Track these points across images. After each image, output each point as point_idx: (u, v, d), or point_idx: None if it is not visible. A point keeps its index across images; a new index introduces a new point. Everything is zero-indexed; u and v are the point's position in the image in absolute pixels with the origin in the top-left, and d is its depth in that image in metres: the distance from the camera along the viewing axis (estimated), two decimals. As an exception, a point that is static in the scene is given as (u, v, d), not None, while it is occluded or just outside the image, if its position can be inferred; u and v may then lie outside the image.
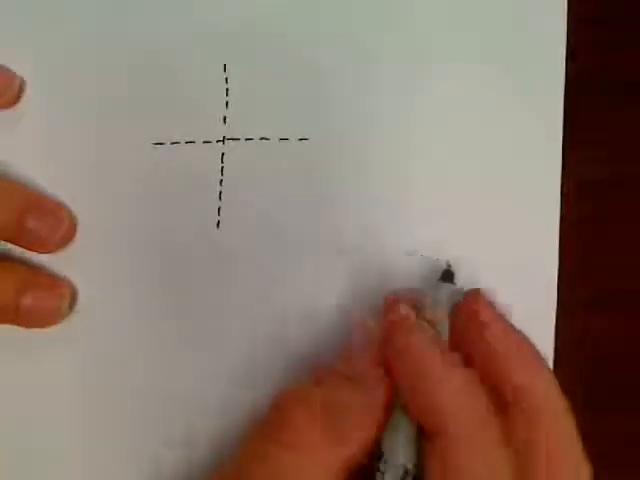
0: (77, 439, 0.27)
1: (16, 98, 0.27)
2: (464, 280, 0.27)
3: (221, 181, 0.27)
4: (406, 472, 0.20)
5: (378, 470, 0.21)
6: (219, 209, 0.27)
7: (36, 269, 0.27)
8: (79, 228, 0.27)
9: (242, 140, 0.27)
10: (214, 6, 0.27)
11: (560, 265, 0.27)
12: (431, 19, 0.27)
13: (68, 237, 0.27)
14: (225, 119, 0.27)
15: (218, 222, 0.27)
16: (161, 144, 0.27)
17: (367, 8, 0.27)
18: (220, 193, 0.27)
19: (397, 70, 0.27)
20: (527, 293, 0.28)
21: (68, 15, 0.27)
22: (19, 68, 0.27)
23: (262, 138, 0.27)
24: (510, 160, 0.27)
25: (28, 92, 0.27)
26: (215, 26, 0.27)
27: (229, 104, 0.27)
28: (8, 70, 0.27)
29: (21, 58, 0.27)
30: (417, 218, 0.27)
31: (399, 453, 0.21)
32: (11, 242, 0.26)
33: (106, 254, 0.27)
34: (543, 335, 0.28)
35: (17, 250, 0.27)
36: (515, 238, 0.27)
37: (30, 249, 0.27)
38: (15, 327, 0.26)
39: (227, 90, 0.27)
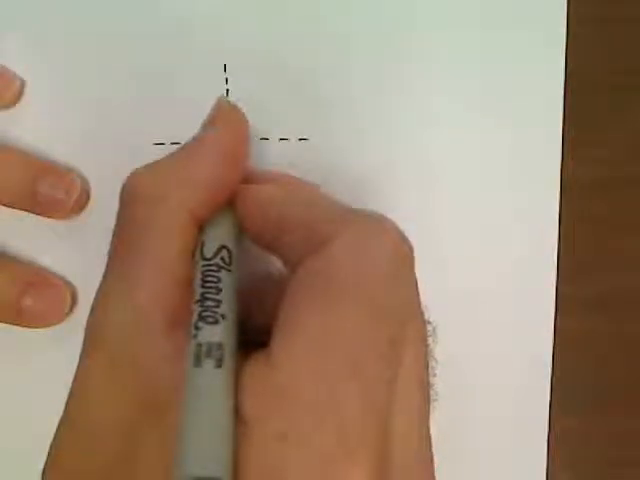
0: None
1: (15, 98, 0.27)
2: (464, 280, 0.27)
3: (221, 181, 0.27)
4: (223, 246, 0.20)
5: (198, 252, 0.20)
6: (219, 209, 0.27)
7: (36, 269, 0.27)
8: (78, 229, 0.27)
9: (242, 140, 0.27)
10: (214, 6, 0.27)
11: (559, 265, 0.27)
12: (431, 19, 0.27)
13: (82, 201, 0.27)
14: (225, 119, 0.27)
15: (218, 222, 0.27)
16: (161, 144, 0.27)
17: (367, 8, 0.27)
18: (220, 193, 0.27)
19: (397, 70, 0.27)
20: (526, 293, 0.28)
21: (68, 15, 0.27)
22: (19, 68, 0.27)
23: (262, 138, 0.27)
24: (510, 160, 0.27)
25: (27, 92, 0.27)
26: (215, 26, 0.27)
27: (229, 104, 0.27)
28: (7, 70, 0.27)
29: (21, 58, 0.27)
30: (417, 218, 0.27)
31: (218, 237, 0.21)
32: (27, 210, 0.26)
33: (105, 254, 0.27)
34: (543, 335, 0.28)
35: (17, 250, 0.27)
36: (515, 238, 0.28)
37: (45, 215, 0.27)
38: (15, 327, 0.26)
39: (227, 90, 0.27)
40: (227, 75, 0.27)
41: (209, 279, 0.19)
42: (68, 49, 0.27)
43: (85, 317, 0.27)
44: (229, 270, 0.20)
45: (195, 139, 0.22)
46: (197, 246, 0.20)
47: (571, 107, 0.27)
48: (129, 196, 0.21)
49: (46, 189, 0.26)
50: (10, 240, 0.27)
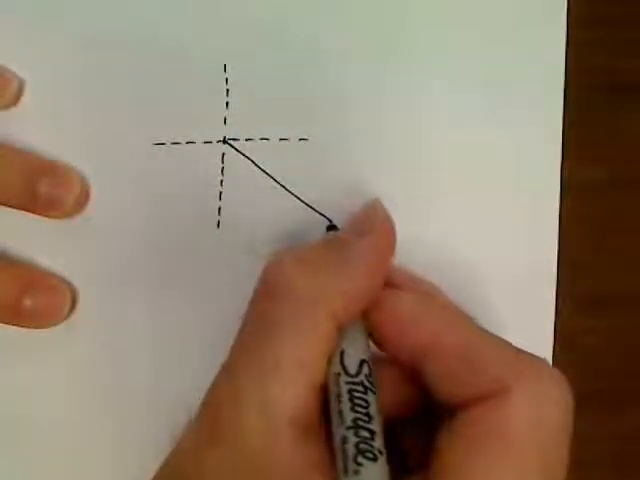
0: (77, 439, 0.27)
1: (15, 99, 0.27)
2: (464, 280, 0.27)
3: (221, 181, 0.27)
4: (364, 360, 0.20)
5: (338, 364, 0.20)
6: (219, 209, 0.27)
7: (36, 269, 0.27)
8: (78, 229, 0.27)
9: (242, 140, 0.27)
10: (214, 6, 0.27)
11: (560, 265, 0.27)
12: (431, 19, 0.27)
13: (82, 201, 0.27)
14: (225, 119, 0.27)
15: (218, 222, 0.27)
16: (161, 144, 0.27)
17: (367, 9, 0.27)
18: (220, 193, 0.27)
19: (397, 70, 0.27)
20: (527, 293, 0.28)
21: (68, 15, 0.27)
22: (19, 68, 0.27)
23: (262, 138, 0.27)
24: (510, 160, 0.27)
25: (27, 93, 0.27)
26: (215, 26, 0.27)
27: (229, 104, 0.27)
28: (7, 70, 0.27)
29: (21, 58, 0.27)
30: (416, 218, 0.27)
31: (358, 349, 0.20)
32: (27, 210, 0.26)
33: (106, 254, 0.27)
34: (543, 335, 0.28)
35: (18, 251, 0.27)
36: (515, 238, 0.28)
37: (45, 215, 0.26)
38: (15, 327, 0.26)
39: (227, 90, 0.27)
40: (227, 75, 0.27)
41: (358, 402, 0.19)
42: (68, 49, 0.27)
43: (85, 317, 0.27)
44: (374, 392, 0.19)
45: (350, 243, 0.22)
46: (335, 355, 0.20)
47: (571, 107, 0.27)
48: (274, 289, 0.20)
49: (46, 189, 0.26)
50: (10, 240, 0.27)
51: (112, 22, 0.27)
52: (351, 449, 0.18)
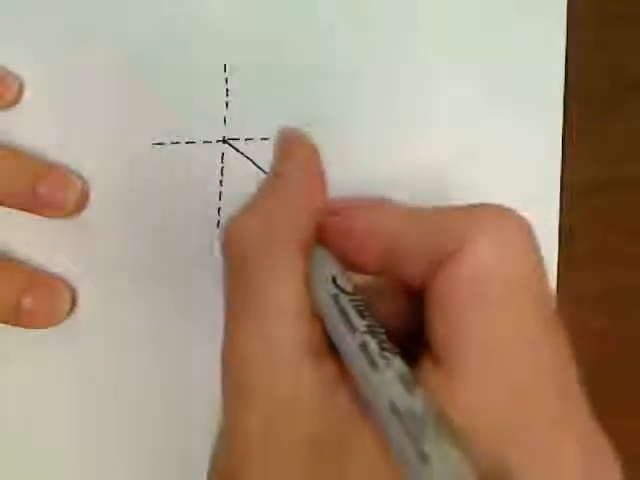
0: (76, 439, 0.27)
1: (15, 99, 0.27)
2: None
3: (221, 181, 0.27)
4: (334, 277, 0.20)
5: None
6: (219, 209, 0.27)
7: (36, 270, 0.27)
8: (79, 229, 0.27)
9: (242, 140, 0.27)
10: (214, 6, 0.27)
11: (559, 265, 0.27)
12: (431, 20, 0.27)
13: (81, 201, 0.27)
14: (225, 119, 0.27)
15: (218, 222, 0.27)
16: (161, 144, 0.27)
17: (368, 8, 0.27)
18: (220, 193, 0.27)
19: (398, 71, 0.27)
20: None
21: (68, 15, 0.27)
22: (19, 68, 0.27)
23: (262, 138, 0.27)
24: (510, 160, 0.27)
25: (27, 93, 0.27)
26: (215, 26, 0.27)
27: (229, 104, 0.27)
28: (7, 71, 0.27)
29: (21, 58, 0.27)
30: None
31: (332, 264, 0.20)
32: (27, 210, 0.26)
33: (106, 254, 0.27)
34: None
35: (18, 251, 0.27)
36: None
37: (46, 215, 0.27)
38: (15, 327, 0.26)
39: (227, 90, 0.27)
40: (227, 75, 0.27)
41: (365, 313, 0.19)
42: (68, 49, 0.27)
43: (85, 317, 0.27)
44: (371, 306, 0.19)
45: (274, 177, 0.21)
46: (322, 282, 0.19)
47: (571, 107, 0.27)
48: (240, 246, 0.19)
49: (46, 189, 0.26)
50: (10, 240, 0.27)
51: (113, 22, 0.27)
52: (375, 348, 0.18)
